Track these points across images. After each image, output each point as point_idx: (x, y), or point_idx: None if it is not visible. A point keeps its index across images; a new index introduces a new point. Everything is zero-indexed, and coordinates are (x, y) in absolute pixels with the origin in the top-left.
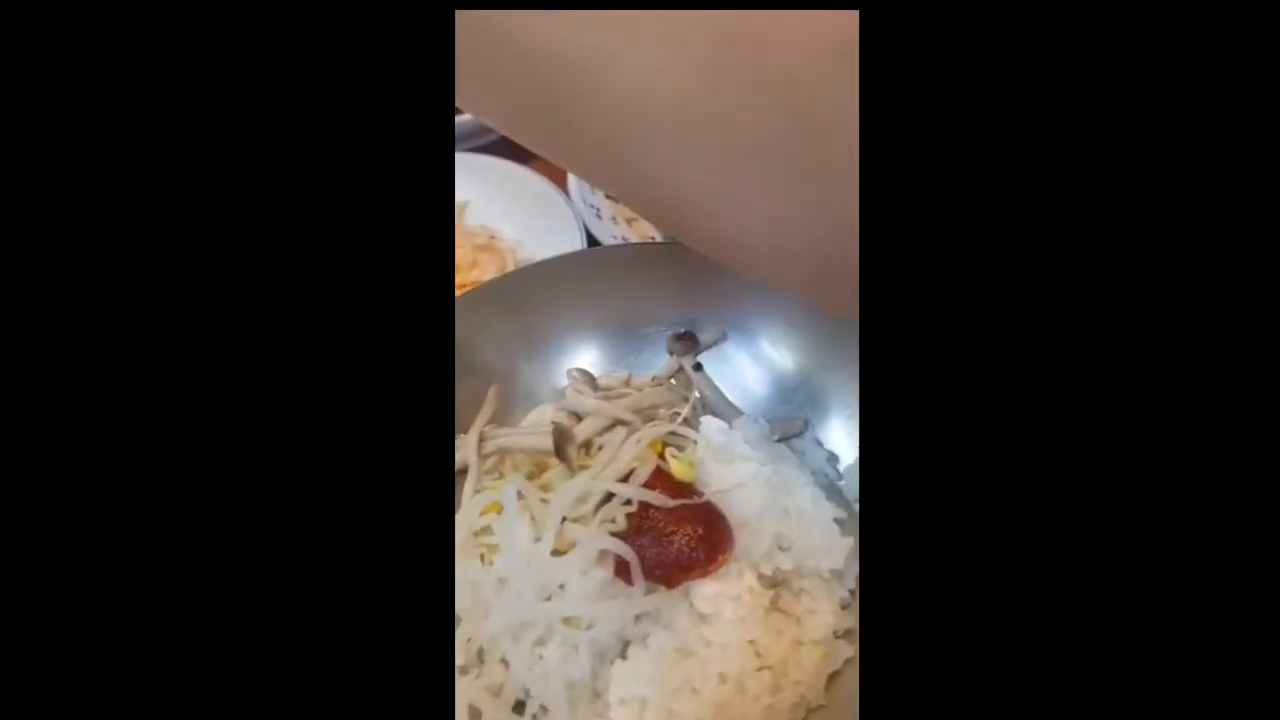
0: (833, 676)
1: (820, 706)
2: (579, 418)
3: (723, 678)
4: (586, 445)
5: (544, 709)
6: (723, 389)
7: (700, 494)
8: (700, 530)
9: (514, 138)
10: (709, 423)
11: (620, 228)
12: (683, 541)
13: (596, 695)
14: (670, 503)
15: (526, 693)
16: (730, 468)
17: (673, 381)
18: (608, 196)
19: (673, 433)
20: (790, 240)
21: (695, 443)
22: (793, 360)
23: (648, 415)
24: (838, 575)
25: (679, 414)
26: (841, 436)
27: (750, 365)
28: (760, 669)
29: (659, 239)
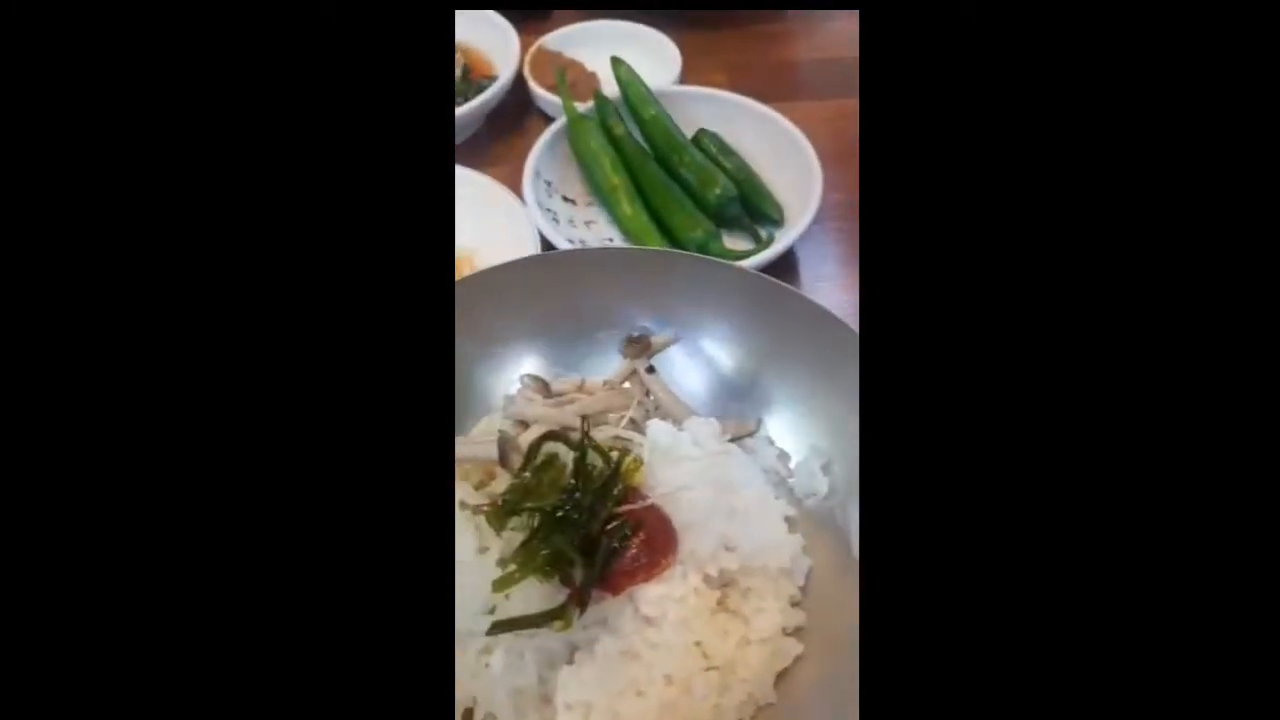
0: (782, 674)
1: (769, 705)
2: (526, 425)
3: (669, 679)
4: (529, 454)
5: (491, 716)
6: (675, 391)
7: (645, 497)
8: (643, 535)
9: None
10: (656, 425)
11: (578, 230)
12: (625, 546)
13: (545, 700)
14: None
15: (474, 700)
16: (676, 470)
17: (625, 385)
18: (565, 199)
19: (618, 436)
20: None
21: (641, 446)
22: (744, 361)
23: (598, 419)
24: (786, 573)
25: (623, 417)
26: (792, 435)
27: (703, 366)
28: (707, 669)
29: (616, 244)
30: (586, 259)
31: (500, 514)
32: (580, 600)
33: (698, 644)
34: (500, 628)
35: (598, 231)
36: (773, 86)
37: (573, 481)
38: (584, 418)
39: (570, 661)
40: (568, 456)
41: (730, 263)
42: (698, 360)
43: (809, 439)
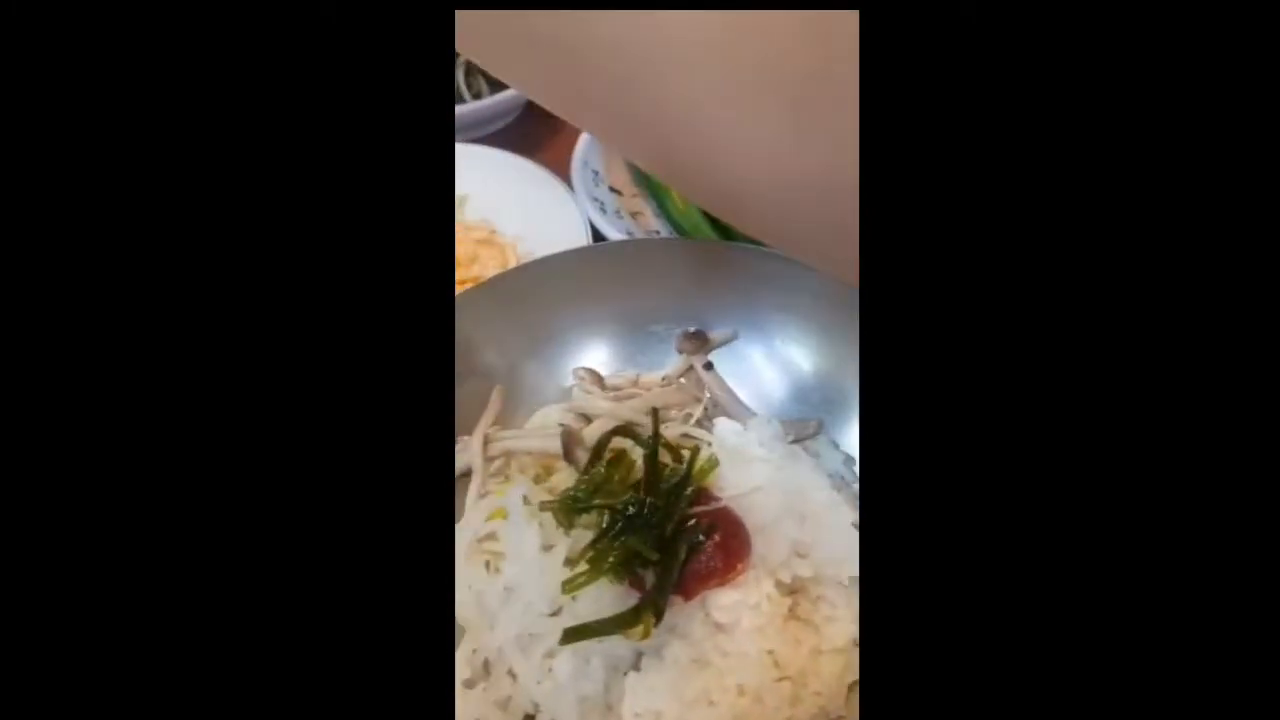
0: (853, 686)
1: (841, 717)
2: (588, 419)
3: (740, 689)
4: (597, 449)
5: None
6: (735, 389)
7: (717, 499)
8: (718, 537)
9: (514, 83)
10: (723, 424)
11: (625, 221)
12: (700, 549)
13: (609, 709)
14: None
15: (536, 707)
16: (746, 471)
17: (683, 381)
18: (612, 189)
19: (686, 434)
20: (793, 172)
21: (709, 444)
22: (807, 359)
23: (662, 416)
24: (856, 582)
25: (691, 415)
26: (855, 437)
27: (763, 364)
28: (779, 680)
29: (663, 234)
30: (643, 249)
31: (569, 510)
32: (656, 605)
33: (770, 653)
34: (573, 635)
35: (644, 223)
36: None
37: (643, 480)
38: (654, 410)
39: (637, 668)
40: (636, 453)
41: (793, 259)
42: (758, 358)
43: None
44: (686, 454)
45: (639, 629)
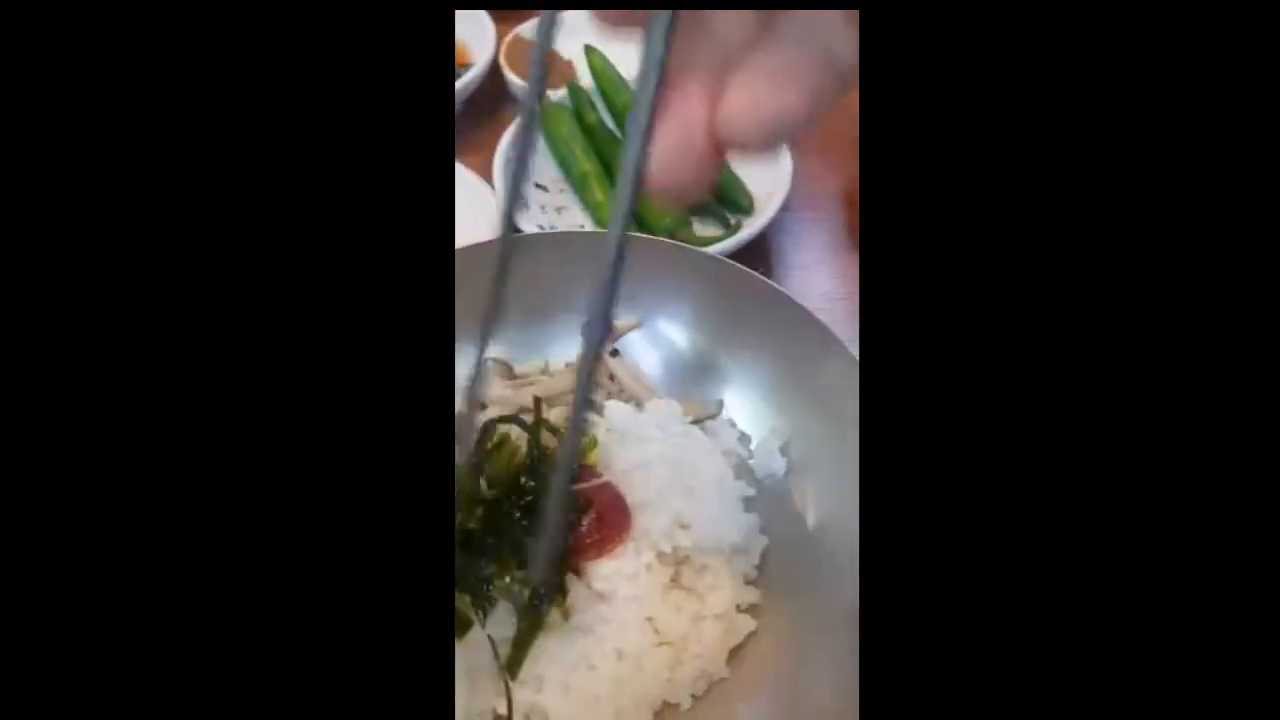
0: (735, 650)
1: (722, 679)
2: (484, 406)
3: (620, 654)
4: (482, 435)
5: None
6: (639, 374)
7: (599, 475)
8: (596, 512)
9: None
10: (614, 406)
11: (549, 217)
12: (580, 524)
13: (496, 675)
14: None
15: None
16: (635, 450)
17: None
18: (538, 185)
19: None
20: None
21: (597, 426)
22: (706, 344)
23: (557, 401)
24: (740, 551)
25: None
26: (752, 417)
27: (666, 350)
28: (659, 644)
29: (589, 230)
30: (548, 242)
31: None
32: (560, 586)
33: (649, 620)
34: (517, 662)
35: (570, 218)
36: None
37: (524, 462)
38: (538, 400)
39: None
40: (521, 438)
41: (691, 246)
42: (661, 344)
43: (769, 420)
44: None
45: (558, 616)
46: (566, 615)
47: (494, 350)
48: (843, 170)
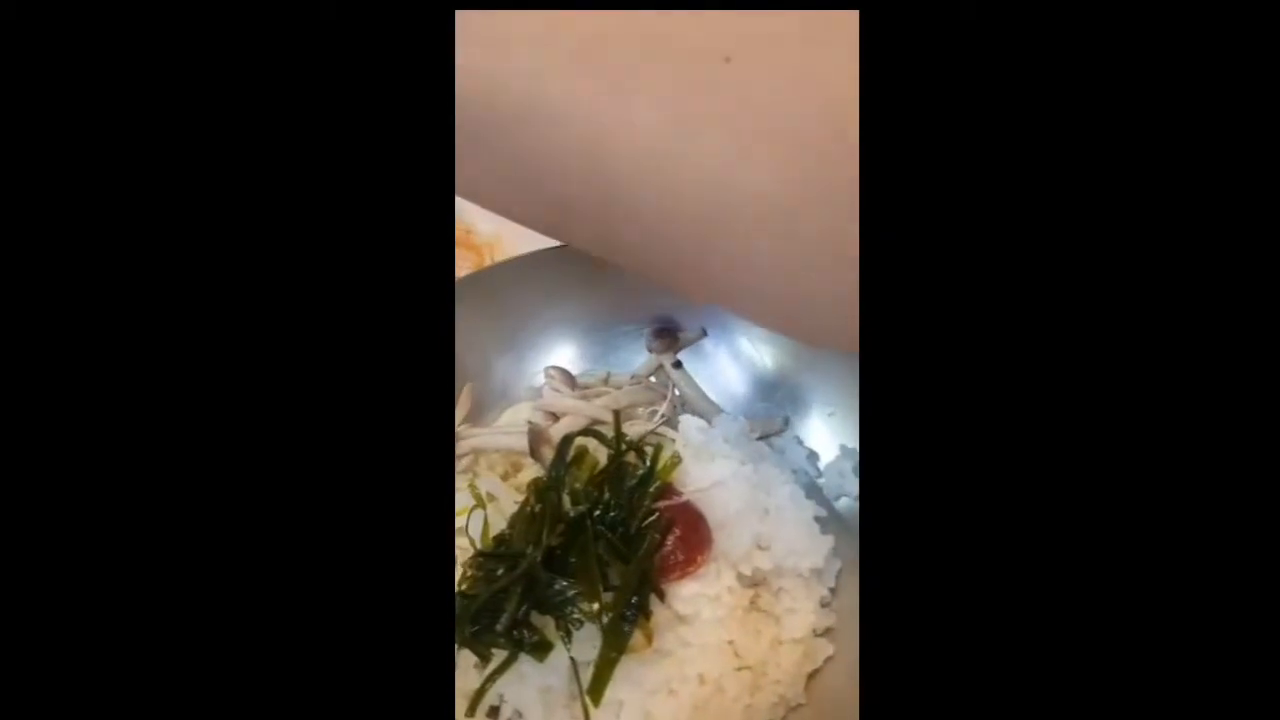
0: (812, 675)
1: (800, 705)
2: (555, 417)
3: (701, 679)
4: (561, 448)
5: (519, 714)
6: (702, 387)
7: (679, 494)
8: (680, 531)
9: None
10: (687, 421)
11: None
12: (663, 544)
13: (572, 698)
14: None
15: (501, 698)
16: (709, 466)
17: (652, 380)
18: None
19: (651, 432)
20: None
21: (674, 441)
22: (772, 358)
23: (626, 415)
24: (817, 574)
25: (656, 412)
26: (821, 434)
27: (730, 363)
28: (739, 669)
29: None
30: None
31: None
32: (642, 608)
33: (730, 643)
34: (598, 689)
35: None
36: None
37: (607, 478)
38: (616, 412)
39: None
40: (599, 452)
41: None
42: (725, 357)
43: (838, 439)
44: (650, 451)
45: (642, 641)
46: (650, 639)
47: (554, 359)
48: None
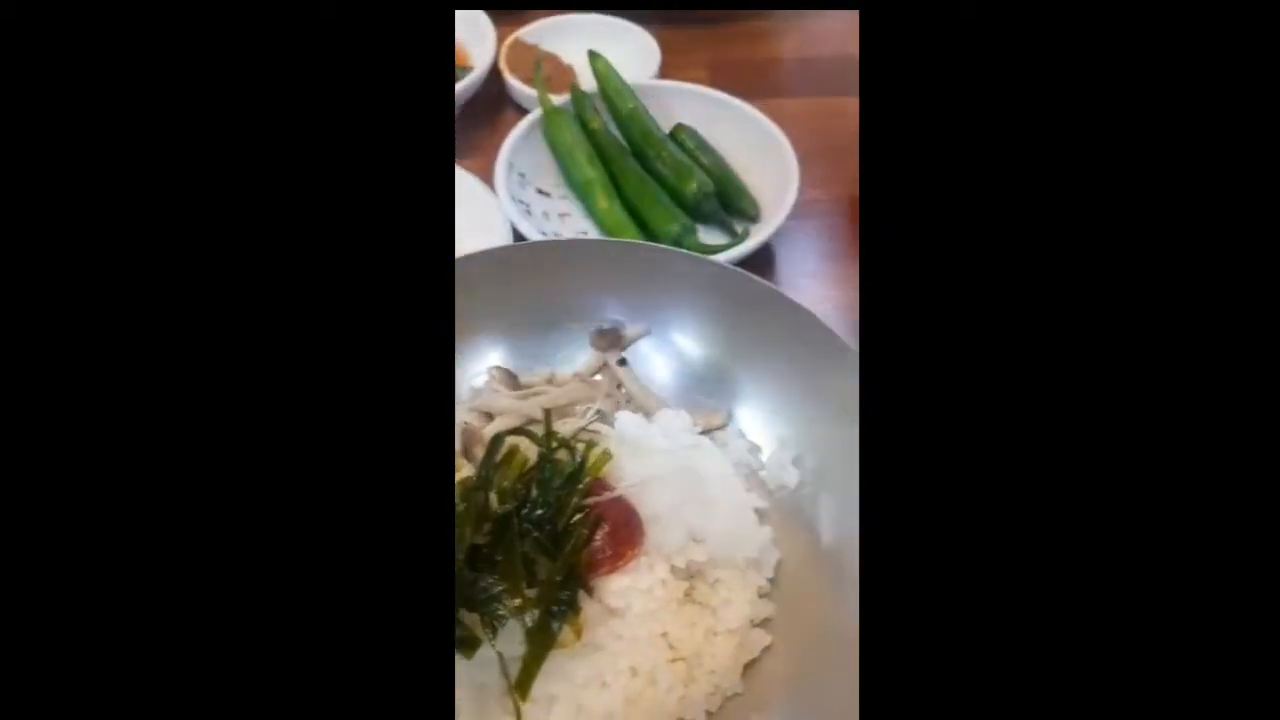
0: (750, 665)
1: (736, 695)
2: (491, 417)
3: (633, 671)
4: (490, 447)
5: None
6: (648, 383)
7: (612, 489)
8: (609, 527)
9: None
10: (624, 417)
11: (552, 223)
12: (592, 539)
13: (505, 694)
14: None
15: None
16: (645, 461)
17: (597, 378)
18: (540, 191)
19: (584, 429)
20: None
21: (607, 438)
22: (715, 354)
23: (564, 413)
24: (754, 564)
25: (590, 409)
26: (763, 427)
27: (674, 360)
28: (673, 660)
29: (591, 235)
30: (557, 250)
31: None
32: (571, 604)
33: (664, 635)
34: (525, 684)
35: (572, 225)
36: (754, 83)
37: (535, 476)
38: (547, 411)
39: None
40: (531, 450)
41: (702, 256)
42: (669, 353)
43: (779, 431)
44: (581, 448)
45: (571, 636)
46: (579, 634)
47: (498, 360)
48: (847, 176)
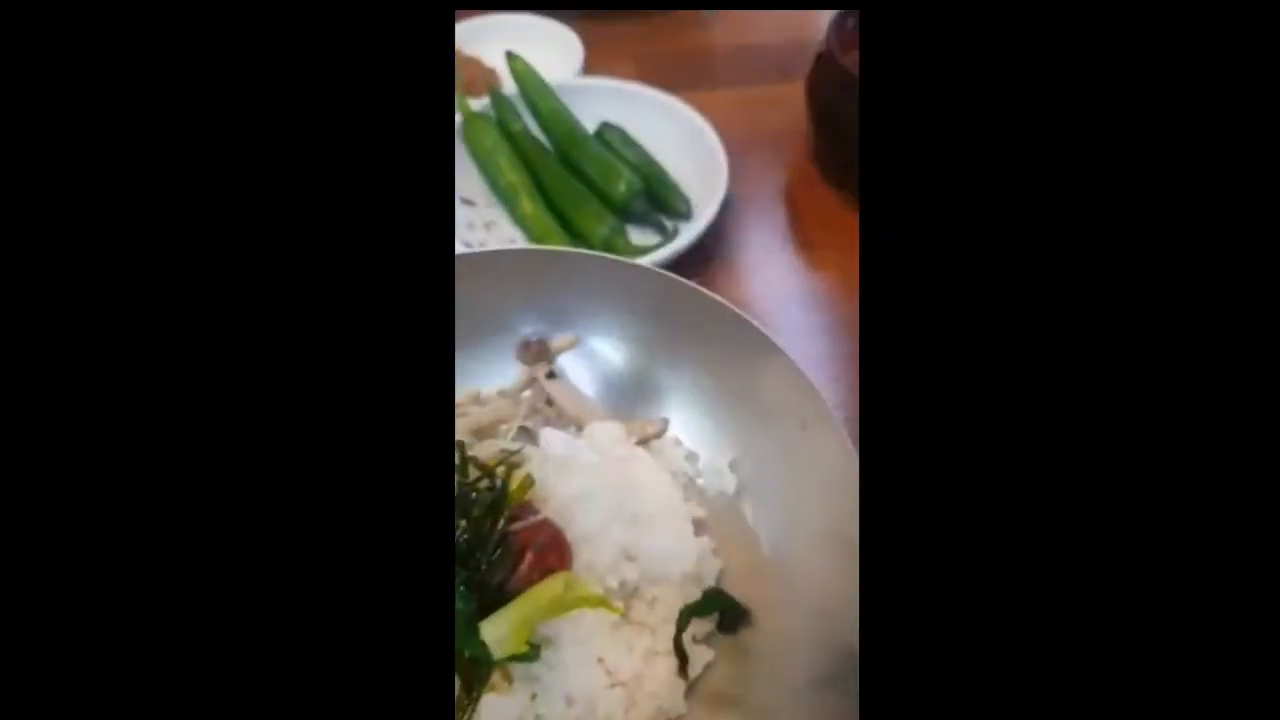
0: (693, 683)
1: (680, 716)
2: None
3: (569, 700)
4: None
5: None
6: (579, 395)
7: (536, 511)
8: (533, 555)
9: None
10: (549, 434)
11: (478, 233)
12: (516, 567)
13: None
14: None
15: None
16: (572, 480)
17: (526, 394)
18: (465, 201)
19: (504, 450)
20: None
21: (531, 459)
22: (643, 360)
23: (488, 433)
24: (693, 578)
25: (511, 429)
26: (699, 433)
27: (602, 368)
28: (612, 686)
29: (519, 244)
30: (473, 261)
31: None
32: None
33: (599, 661)
34: None
35: (499, 233)
36: (684, 75)
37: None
38: (460, 441)
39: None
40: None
41: (624, 259)
42: (596, 363)
43: (714, 437)
44: (502, 471)
45: (501, 680)
46: (509, 677)
47: None
48: (779, 166)
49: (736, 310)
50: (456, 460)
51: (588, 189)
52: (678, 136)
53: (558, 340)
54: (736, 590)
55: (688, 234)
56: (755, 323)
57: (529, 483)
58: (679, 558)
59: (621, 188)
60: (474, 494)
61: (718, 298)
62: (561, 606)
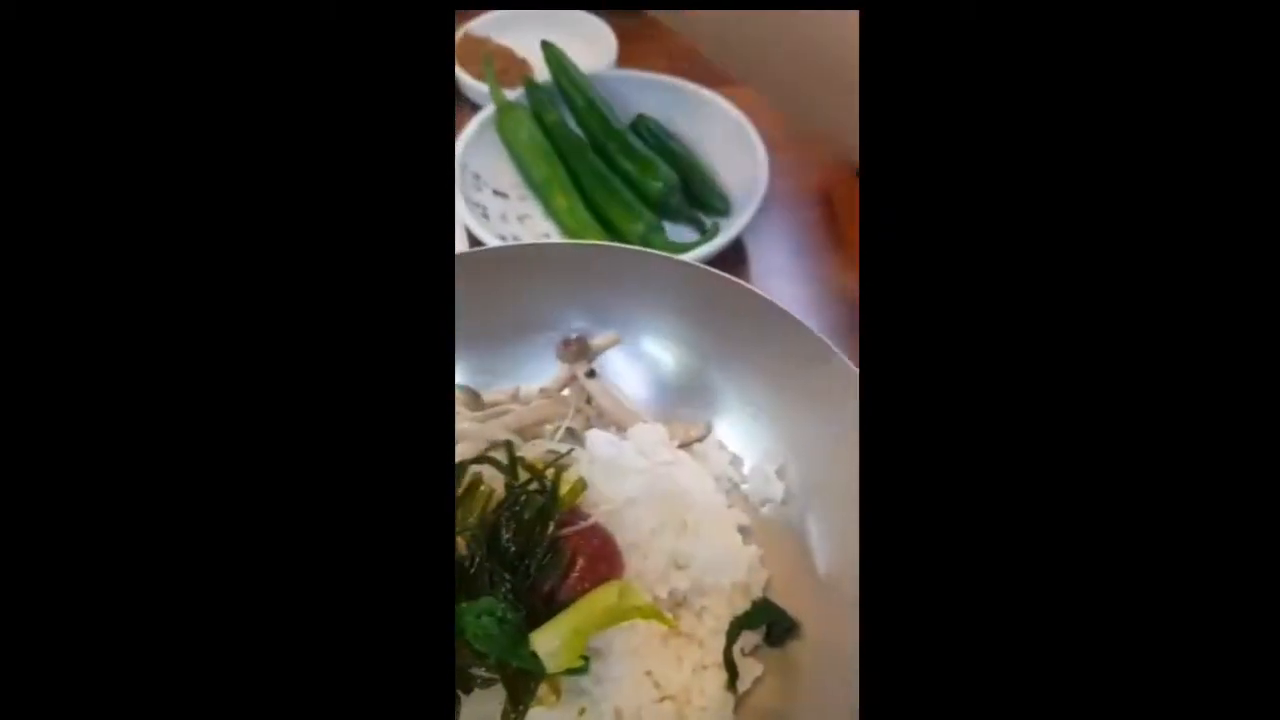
0: (743, 697)
1: None
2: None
3: (618, 714)
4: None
5: None
6: (620, 395)
7: (586, 516)
8: (584, 561)
9: None
10: (595, 436)
11: (511, 226)
12: (566, 575)
13: None
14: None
15: None
16: (620, 483)
17: (566, 392)
18: (496, 193)
19: (551, 451)
20: None
21: (580, 461)
22: (691, 361)
23: (531, 433)
24: (742, 588)
25: (558, 428)
26: (744, 437)
27: (646, 368)
28: (661, 700)
29: (554, 239)
30: (514, 256)
31: None
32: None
33: (648, 674)
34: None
35: (533, 226)
36: (717, 71)
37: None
38: (508, 443)
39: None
40: (496, 479)
41: (672, 256)
42: (641, 362)
43: (762, 442)
44: (550, 475)
45: (549, 693)
46: (558, 691)
47: (457, 377)
48: (817, 165)
49: (786, 310)
50: (504, 461)
51: (624, 183)
52: (715, 132)
53: (599, 338)
54: (782, 601)
55: (727, 232)
56: (805, 324)
57: (581, 486)
58: (729, 567)
59: (658, 183)
60: (523, 497)
61: (766, 296)
62: (615, 617)
